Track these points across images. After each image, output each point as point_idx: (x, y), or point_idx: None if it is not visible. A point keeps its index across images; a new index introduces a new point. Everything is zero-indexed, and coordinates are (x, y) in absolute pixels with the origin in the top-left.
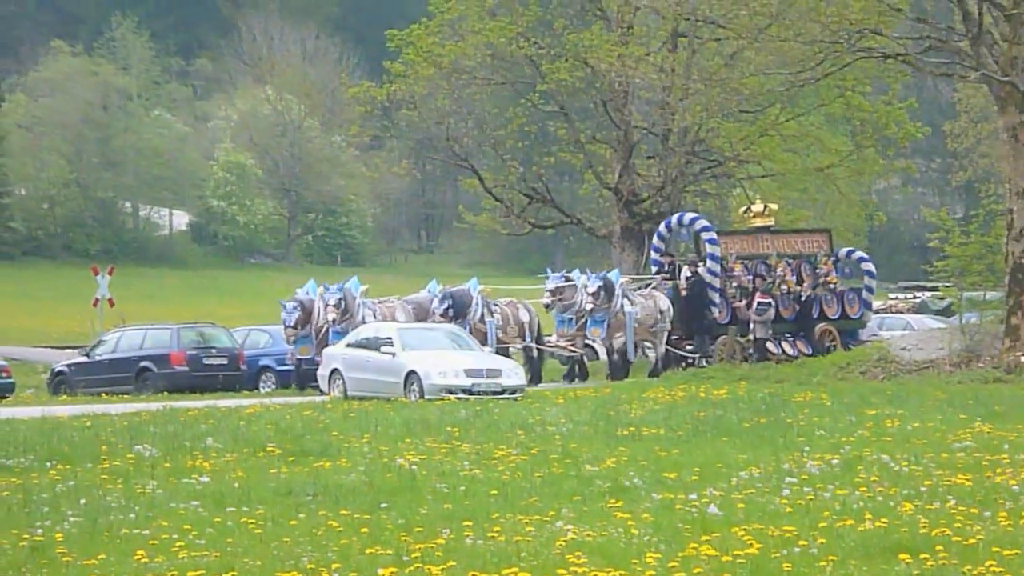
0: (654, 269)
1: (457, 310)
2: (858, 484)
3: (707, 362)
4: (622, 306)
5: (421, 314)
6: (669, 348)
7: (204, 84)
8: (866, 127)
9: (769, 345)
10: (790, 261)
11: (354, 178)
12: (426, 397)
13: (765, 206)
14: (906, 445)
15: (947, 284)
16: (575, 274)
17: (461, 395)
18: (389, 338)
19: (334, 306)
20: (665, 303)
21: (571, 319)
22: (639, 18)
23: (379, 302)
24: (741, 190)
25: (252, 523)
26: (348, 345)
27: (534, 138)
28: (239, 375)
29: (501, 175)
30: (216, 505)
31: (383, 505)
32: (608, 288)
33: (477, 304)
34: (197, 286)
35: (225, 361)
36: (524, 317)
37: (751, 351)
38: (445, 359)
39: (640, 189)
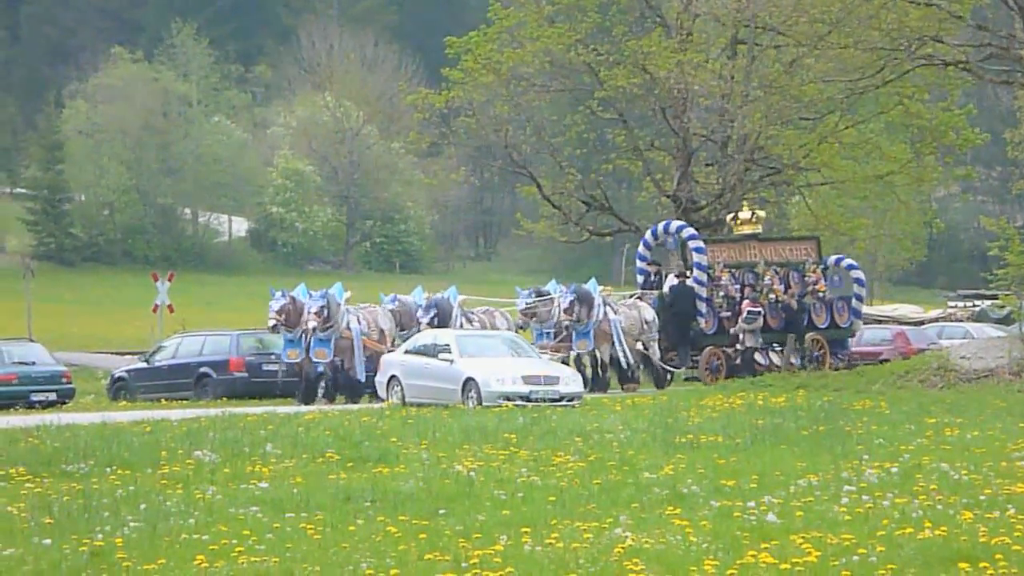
0: (639, 278)
1: (442, 319)
2: (917, 493)
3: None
4: (605, 314)
5: (405, 319)
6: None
7: (263, 91)
8: (925, 134)
9: (757, 356)
10: (778, 269)
11: (412, 185)
12: (484, 404)
13: (753, 213)
14: (965, 454)
15: (1007, 292)
16: (551, 285)
17: (519, 402)
18: (447, 345)
19: (315, 313)
20: (650, 313)
21: (549, 332)
22: (698, 25)
23: (362, 308)
24: (800, 198)
25: (311, 529)
26: (406, 352)
27: (592, 145)
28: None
29: (559, 182)
30: (275, 511)
31: (441, 511)
32: (584, 299)
33: (456, 314)
34: (256, 292)
35: (284, 367)
36: (501, 325)
37: (738, 362)
38: (503, 366)
39: (699, 196)
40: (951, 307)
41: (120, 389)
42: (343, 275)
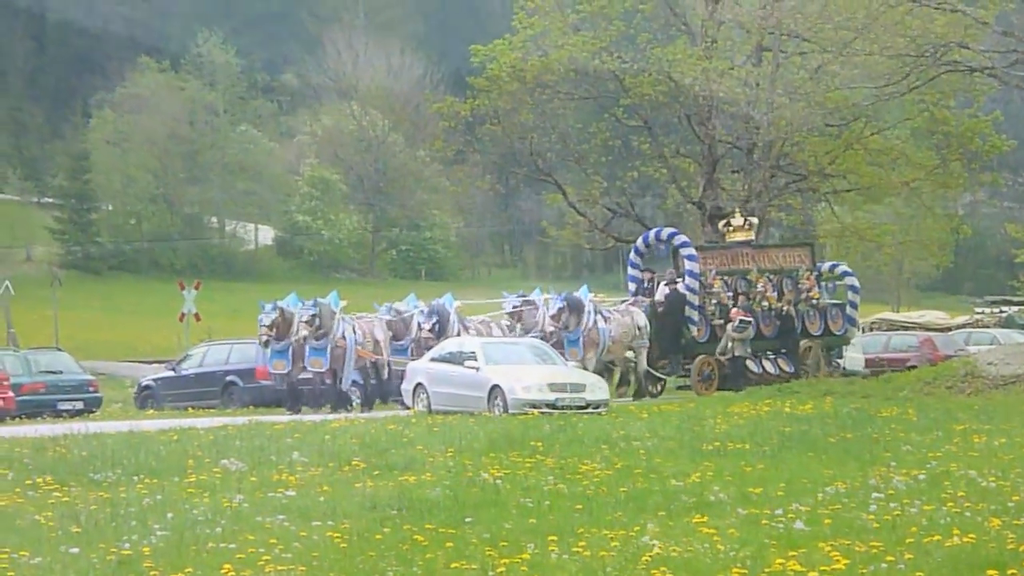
0: (631, 286)
1: (441, 327)
2: (945, 499)
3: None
4: (595, 323)
5: (400, 328)
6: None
7: (289, 99)
8: (951, 141)
9: (749, 364)
10: (771, 277)
11: (438, 192)
12: (510, 411)
13: (745, 219)
14: (993, 460)
15: None
16: (535, 293)
17: (545, 409)
18: (473, 352)
19: (306, 322)
20: (642, 319)
21: (534, 338)
22: (723, 32)
23: (357, 318)
24: (826, 204)
25: (338, 537)
26: (432, 359)
27: (617, 152)
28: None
29: (584, 190)
30: (302, 519)
31: (468, 519)
32: (574, 307)
33: (453, 322)
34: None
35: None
36: (496, 334)
37: (729, 371)
38: (529, 373)
39: (724, 203)
40: (978, 313)
41: (147, 398)
42: (369, 283)
